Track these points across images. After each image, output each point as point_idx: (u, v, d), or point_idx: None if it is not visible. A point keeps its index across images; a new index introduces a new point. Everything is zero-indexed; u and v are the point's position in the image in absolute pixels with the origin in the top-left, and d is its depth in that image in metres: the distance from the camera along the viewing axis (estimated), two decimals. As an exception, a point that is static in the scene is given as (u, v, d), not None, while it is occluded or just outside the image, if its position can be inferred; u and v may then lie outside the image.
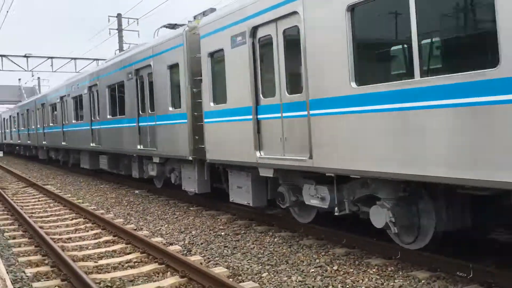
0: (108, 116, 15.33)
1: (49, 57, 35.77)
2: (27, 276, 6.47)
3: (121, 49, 31.88)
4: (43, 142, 25.96)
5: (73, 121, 19.53)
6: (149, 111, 12.29)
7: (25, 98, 46.22)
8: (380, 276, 5.95)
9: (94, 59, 35.76)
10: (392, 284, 5.63)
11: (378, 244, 6.87)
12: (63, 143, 21.45)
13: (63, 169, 24.12)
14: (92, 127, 16.96)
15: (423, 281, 5.66)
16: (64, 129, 21.23)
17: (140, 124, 12.91)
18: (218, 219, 9.89)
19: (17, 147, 38.62)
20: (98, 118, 16.35)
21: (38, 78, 52.32)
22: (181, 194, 12.66)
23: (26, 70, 35.50)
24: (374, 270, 6.18)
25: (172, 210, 11.28)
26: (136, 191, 14.69)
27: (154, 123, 11.97)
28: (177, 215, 10.64)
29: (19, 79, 56.41)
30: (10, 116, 40.11)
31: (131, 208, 11.89)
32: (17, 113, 35.40)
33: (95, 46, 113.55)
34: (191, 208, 11.27)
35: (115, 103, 14.82)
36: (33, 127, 28.82)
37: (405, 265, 6.26)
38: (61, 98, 21.31)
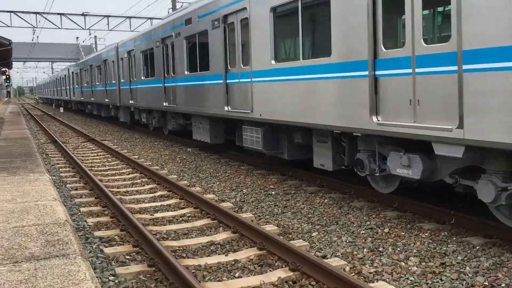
0: (272, 62, 9.02)
1: (105, 16, 36.62)
2: (88, 225, 6.86)
3: (174, 7, 32.03)
4: (130, 102, 20.37)
5: (186, 73, 13.84)
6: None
7: (83, 56, 47.10)
8: (433, 240, 5.88)
9: (149, 18, 36.27)
10: (445, 248, 5.55)
11: (431, 209, 6.75)
12: (164, 103, 15.78)
13: (119, 126, 24.98)
14: (227, 82, 11.14)
15: (477, 247, 5.54)
16: (166, 85, 15.71)
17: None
18: (269, 179, 10.01)
19: (88, 106, 33.14)
20: (242, 67, 10.43)
21: (95, 36, 53.73)
22: (232, 154, 12.87)
23: (83, 28, 36.57)
24: (426, 234, 6.11)
25: (223, 168, 11.51)
26: (189, 149, 15.05)
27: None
28: (229, 173, 10.85)
29: (77, 38, 58.27)
30: (80, 70, 33.87)
31: (184, 165, 12.22)
32: (90, 66, 29.78)
33: (148, 5, 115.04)
34: (242, 167, 11.45)
35: (281, 40, 9.09)
36: (113, 82, 23.30)
37: (459, 231, 6.14)
38: (162, 40, 15.77)
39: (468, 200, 7.33)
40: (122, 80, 21.67)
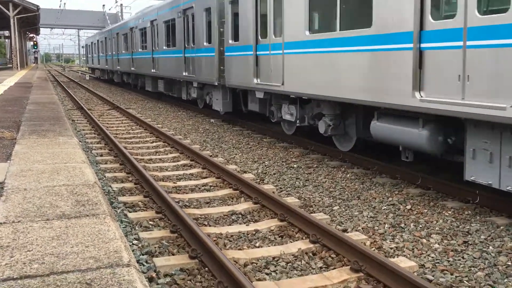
0: (164, 47, 19.24)
1: (131, -16, 36.38)
2: (113, 190, 7.01)
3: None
4: (117, 67, 30.24)
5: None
6: (192, 45, 15.75)
7: (108, 24, 47.77)
8: (456, 218, 5.84)
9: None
10: (468, 227, 5.52)
11: (455, 187, 6.69)
12: (132, 68, 25.88)
13: (143, 95, 25.17)
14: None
15: (501, 227, 5.49)
16: (134, 56, 25.57)
17: (186, 55, 16.43)
18: (291, 152, 10.02)
19: (96, 70, 41.17)
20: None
21: (121, 4, 53.72)
22: (254, 126, 12.90)
23: (110, -3, 36.48)
24: (449, 212, 6.07)
25: (246, 140, 11.55)
26: (212, 120, 15.12)
27: (195, 54, 15.38)
28: (251, 145, 10.89)
29: (103, 5, 58.25)
30: (91, 43, 40.88)
31: (207, 136, 12.30)
32: (97, 40, 36.07)
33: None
34: (265, 140, 11.47)
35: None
36: (109, 53, 33.04)
37: (483, 210, 6.09)
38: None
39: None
40: (113, 52, 30.90)
